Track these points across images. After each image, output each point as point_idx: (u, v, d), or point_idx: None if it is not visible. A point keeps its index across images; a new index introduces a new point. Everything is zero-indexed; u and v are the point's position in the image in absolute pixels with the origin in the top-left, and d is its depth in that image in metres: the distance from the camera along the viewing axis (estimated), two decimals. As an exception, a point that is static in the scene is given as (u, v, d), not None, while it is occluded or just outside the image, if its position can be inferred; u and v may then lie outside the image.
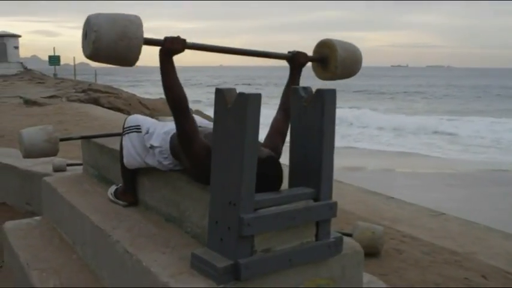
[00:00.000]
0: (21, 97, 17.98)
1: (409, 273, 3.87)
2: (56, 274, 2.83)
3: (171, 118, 3.00)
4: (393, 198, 6.15)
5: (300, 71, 2.87)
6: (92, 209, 2.99)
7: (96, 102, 17.93)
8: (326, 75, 2.95)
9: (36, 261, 3.03)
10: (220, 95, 1.98)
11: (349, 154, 20.02)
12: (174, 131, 2.67)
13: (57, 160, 4.93)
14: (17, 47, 38.91)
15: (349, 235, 4.24)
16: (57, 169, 4.82)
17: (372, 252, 4.11)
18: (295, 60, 2.83)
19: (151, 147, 2.69)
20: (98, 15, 2.23)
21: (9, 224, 3.73)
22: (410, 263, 4.07)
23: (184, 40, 2.39)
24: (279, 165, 2.20)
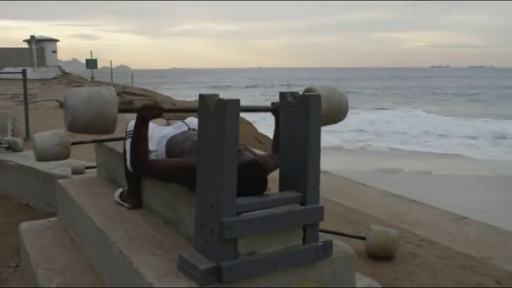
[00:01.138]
0: (57, 100, 18.43)
1: (421, 278, 3.83)
2: (61, 274, 2.92)
3: (179, 121, 3.08)
4: (415, 201, 6.09)
5: None
6: (97, 211, 3.08)
7: (130, 104, 18.26)
8: None
9: (45, 261, 3.13)
10: (203, 100, 2.02)
11: (387, 155, 19.85)
12: (171, 135, 2.74)
13: (76, 163, 5.08)
14: (55, 51, 39.93)
15: (363, 238, 4.23)
16: (76, 171, 4.96)
17: (385, 255, 4.09)
18: (278, 111, 2.87)
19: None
20: (73, 95, 2.35)
21: (25, 225, 3.87)
22: (424, 267, 4.02)
23: (161, 108, 2.51)
24: (262, 170, 2.22)
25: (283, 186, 2.29)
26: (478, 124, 28.83)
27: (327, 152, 20.48)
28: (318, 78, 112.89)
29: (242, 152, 2.24)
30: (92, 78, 35.40)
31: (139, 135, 2.47)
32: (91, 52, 38.19)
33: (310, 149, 2.13)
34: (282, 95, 2.26)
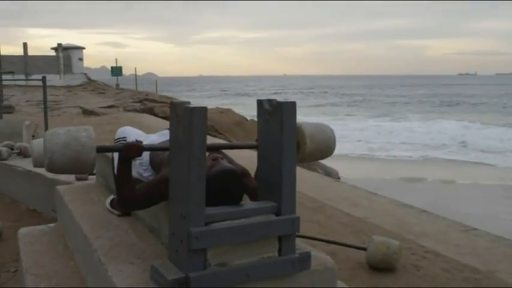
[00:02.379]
0: (80, 107, 18.74)
1: (421, 291, 3.74)
2: (49, 279, 2.94)
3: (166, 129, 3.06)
4: (426, 211, 5.95)
5: None
6: (86, 217, 3.08)
7: (151, 111, 18.44)
8: None
9: (35, 267, 3.15)
10: (174, 108, 2.00)
11: (412, 164, 19.66)
12: (155, 142, 2.72)
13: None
14: (81, 59, 40.59)
15: (364, 249, 4.15)
16: (79, 178, 4.98)
17: (386, 267, 4.00)
18: None
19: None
20: (52, 138, 2.31)
21: (23, 230, 3.90)
22: (426, 279, 3.93)
23: (141, 147, 2.45)
24: (238, 179, 2.18)
25: (260, 196, 2.25)
26: (505, 132, 28.45)
27: (352, 160, 20.33)
28: (339, 85, 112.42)
29: (219, 161, 2.21)
30: (117, 85, 35.91)
31: (123, 176, 2.42)
32: (116, 60, 38.78)
33: (285, 158, 2.09)
34: (259, 102, 2.22)
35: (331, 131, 2.78)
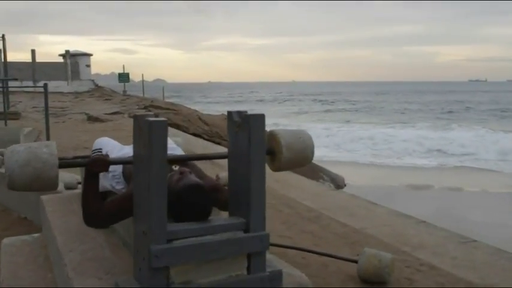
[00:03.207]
0: (86, 113, 18.76)
1: (413, 305, 3.63)
2: (24, 291, 2.87)
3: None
4: (425, 222, 5.84)
5: None
6: (63, 229, 3.02)
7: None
8: (269, 167, 2.68)
9: (11, 278, 3.08)
10: (136, 121, 1.93)
11: (420, 171, 19.47)
12: (129, 155, 2.65)
13: (70, 177, 5.03)
14: (88, 65, 40.83)
15: (355, 261, 4.05)
16: (68, 186, 4.92)
17: (378, 280, 3.91)
18: None
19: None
20: (12, 155, 2.20)
21: (6, 240, 3.84)
22: (418, 293, 3.82)
23: (107, 162, 2.35)
24: (204, 194, 2.08)
25: (231, 211, 2.17)
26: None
27: (360, 167, 20.16)
28: (348, 92, 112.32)
29: (186, 175, 2.12)
30: (124, 91, 36.03)
31: (89, 191, 2.33)
32: (123, 66, 38.95)
33: (253, 172, 2.00)
34: (229, 113, 2.14)
35: (310, 139, 2.68)
